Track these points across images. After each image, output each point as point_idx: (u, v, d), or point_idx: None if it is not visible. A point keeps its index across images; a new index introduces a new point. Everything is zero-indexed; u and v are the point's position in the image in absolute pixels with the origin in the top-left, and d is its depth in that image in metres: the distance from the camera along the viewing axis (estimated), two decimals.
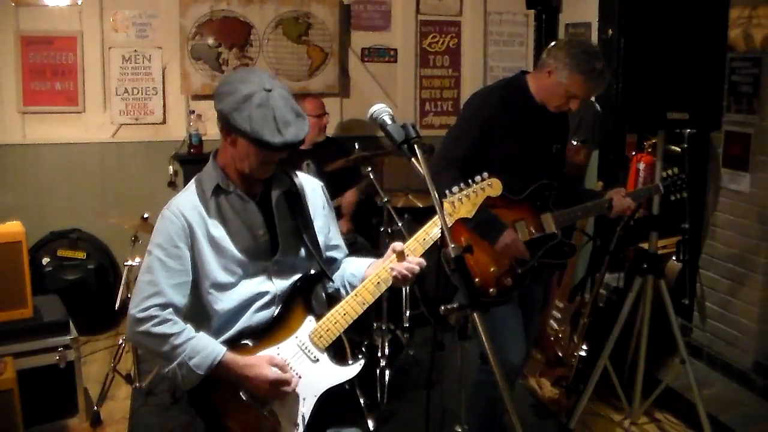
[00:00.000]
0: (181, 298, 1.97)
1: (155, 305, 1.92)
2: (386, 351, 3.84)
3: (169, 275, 1.95)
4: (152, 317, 1.91)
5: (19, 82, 4.75)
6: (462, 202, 1.99)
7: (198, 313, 2.03)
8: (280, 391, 1.93)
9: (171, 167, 4.99)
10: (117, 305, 3.81)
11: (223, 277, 2.01)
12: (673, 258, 4.00)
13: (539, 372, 4.09)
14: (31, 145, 4.83)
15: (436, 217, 1.97)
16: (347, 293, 2.11)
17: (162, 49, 5.00)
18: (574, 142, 3.99)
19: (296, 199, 2.15)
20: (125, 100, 4.98)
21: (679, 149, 3.82)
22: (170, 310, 1.93)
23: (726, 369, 3.85)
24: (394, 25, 5.46)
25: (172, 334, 1.91)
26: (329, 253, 2.25)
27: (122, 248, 4.17)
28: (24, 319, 3.34)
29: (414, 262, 1.99)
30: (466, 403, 2.75)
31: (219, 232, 2.01)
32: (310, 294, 2.10)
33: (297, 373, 1.98)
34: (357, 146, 4.34)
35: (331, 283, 2.19)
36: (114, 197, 4.96)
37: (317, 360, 2.02)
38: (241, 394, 1.93)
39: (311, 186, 2.24)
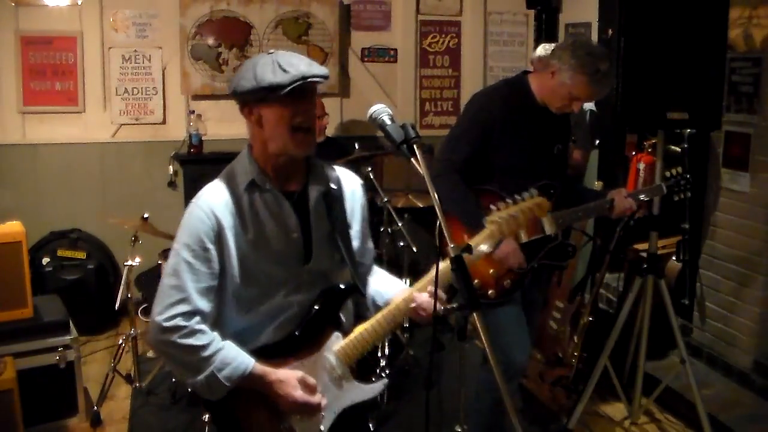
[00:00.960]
0: (208, 304, 1.83)
1: (181, 314, 1.78)
2: (386, 351, 3.84)
3: (197, 279, 1.81)
4: (179, 328, 1.77)
5: (19, 82, 4.76)
6: (509, 224, 1.80)
7: (218, 318, 1.89)
8: (304, 413, 1.86)
9: (171, 167, 5.02)
10: (117, 305, 3.81)
11: (251, 283, 1.87)
12: (673, 258, 3.99)
13: (539, 372, 4.09)
14: (31, 145, 4.83)
15: (478, 235, 1.86)
16: (374, 309, 2.00)
17: (162, 49, 5.00)
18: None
19: (335, 200, 1.96)
20: (125, 100, 4.98)
21: (679, 149, 3.82)
22: (197, 318, 1.80)
23: (726, 369, 3.85)
24: (394, 25, 5.46)
25: (200, 346, 1.78)
26: (359, 260, 2.06)
27: (122, 248, 4.16)
28: (24, 319, 3.34)
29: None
30: (466, 403, 2.75)
31: (250, 234, 1.85)
32: (339, 308, 1.95)
33: (321, 390, 1.90)
34: (357, 146, 4.33)
35: (361, 298, 2.03)
36: (114, 197, 4.96)
37: (341, 377, 1.93)
38: (262, 407, 1.85)
39: (351, 186, 2.03)
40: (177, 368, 1.88)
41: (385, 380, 1.98)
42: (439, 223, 1.60)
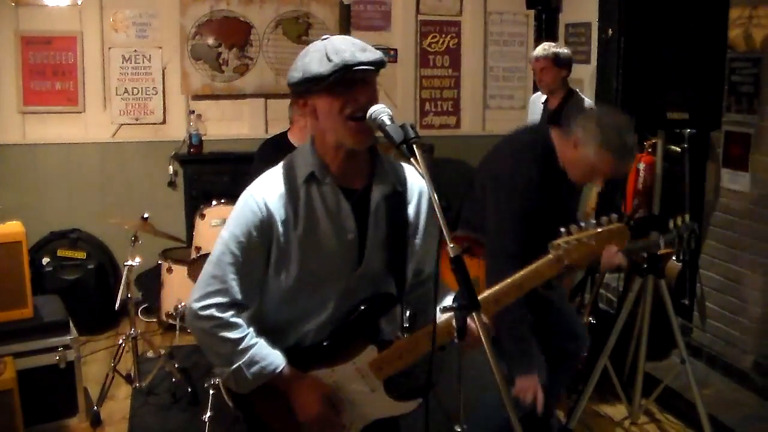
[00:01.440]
0: (246, 297, 1.77)
1: (217, 304, 1.74)
2: None
3: (239, 271, 1.74)
4: (213, 318, 1.74)
5: (19, 82, 4.76)
6: (577, 250, 1.72)
7: (255, 312, 1.84)
8: (320, 426, 1.79)
9: (171, 167, 5.02)
10: (117, 305, 3.81)
11: (293, 280, 1.77)
12: (673, 258, 4.00)
13: None
14: (31, 145, 4.83)
15: (540, 261, 1.81)
16: (415, 325, 1.87)
17: (162, 49, 5.00)
18: None
19: (398, 203, 1.81)
20: (125, 99, 4.98)
21: (679, 149, 3.82)
22: (233, 311, 1.75)
23: (726, 369, 3.85)
24: (394, 25, 5.46)
25: (233, 340, 1.74)
26: (418, 266, 1.91)
27: (122, 248, 4.17)
28: (24, 319, 3.34)
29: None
30: (466, 403, 2.74)
31: (302, 229, 1.74)
32: (379, 318, 1.85)
33: (349, 400, 1.83)
34: None
35: (405, 311, 1.88)
36: (114, 197, 4.96)
37: (373, 390, 1.84)
38: (285, 409, 1.81)
39: (418, 185, 1.85)
40: (208, 354, 1.84)
41: (420, 400, 1.88)
42: (440, 224, 1.59)
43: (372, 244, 1.79)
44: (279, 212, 1.73)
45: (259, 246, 1.74)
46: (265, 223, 1.72)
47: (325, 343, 1.82)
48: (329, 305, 1.81)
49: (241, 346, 1.74)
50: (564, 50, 4.03)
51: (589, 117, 2.52)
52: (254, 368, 1.75)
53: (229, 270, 1.74)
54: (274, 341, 1.81)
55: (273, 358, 1.77)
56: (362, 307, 1.82)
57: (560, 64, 3.99)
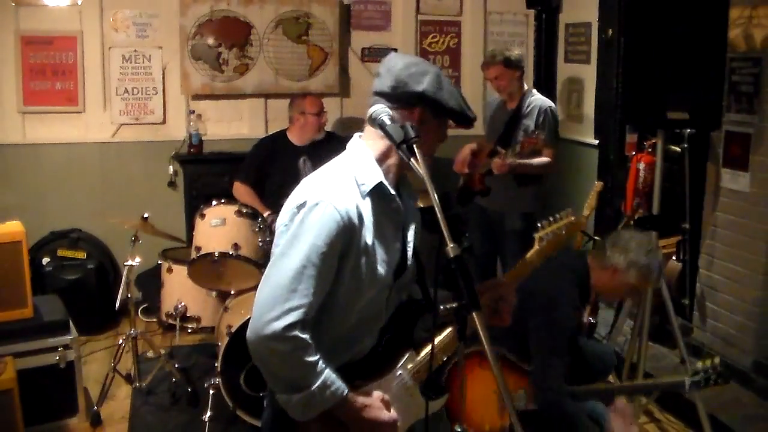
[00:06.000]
0: (316, 311, 1.69)
1: (300, 323, 1.62)
2: None
3: (320, 285, 1.65)
4: (296, 339, 1.61)
5: (19, 82, 4.75)
6: (556, 239, 2.04)
7: (316, 329, 1.72)
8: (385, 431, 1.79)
9: (171, 167, 5.02)
10: (117, 305, 3.81)
11: (357, 295, 1.74)
12: (673, 258, 4.00)
13: None
14: (31, 145, 4.83)
15: (532, 251, 2.04)
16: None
17: (162, 49, 5.00)
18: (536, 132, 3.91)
19: (418, 211, 1.88)
20: (125, 99, 4.98)
21: (679, 149, 3.82)
22: (309, 330, 1.65)
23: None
24: (394, 25, 5.46)
25: (311, 363, 1.64)
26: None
27: (122, 248, 4.17)
28: (24, 319, 3.34)
29: (511, 295, 1.89)
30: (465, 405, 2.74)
31: (372, 238, 1.72)
32: (414, 324, 1.87)
33: (395, 408, 1.83)
34: None
35: (435, 313, 1.87)
36: (114, 197, 4.96)
37: (411, 394, 1.86)
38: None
39: (416, 196, 1.94)
40: (274, 379, 1.70)
41: (447, 394, 1.94)
42: (439, 225, 1.59)
43: (410, 251, 1.85)
44: (356, 222, 1.69)
45: (336, 256, 1.68)
46: (348, 233, 1.67)
47: (373, 355, 1.83)
48: (382, 315, 1.83)
49: (318, 368, 1.66)
50: (513, 52, 4.00)
51: (624, 247, 2.77)
52: (328, 392, 1.67)
53: (310, 284, 1.63)
54: (329, 360, 1.72)
55: (339, 383, 1.70)
56: (400, 316, 1.85)
57: (512, 66, 3.97)
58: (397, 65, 1.77)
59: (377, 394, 1.79)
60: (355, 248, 1.69)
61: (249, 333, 1.65)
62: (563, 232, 2.06)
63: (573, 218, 2.09)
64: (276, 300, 1.62)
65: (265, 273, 1.70)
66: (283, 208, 1.75)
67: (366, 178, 1.73)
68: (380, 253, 1.75)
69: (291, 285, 1.62)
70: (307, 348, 1.64)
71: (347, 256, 1.69)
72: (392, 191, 1.76)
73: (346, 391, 1.70)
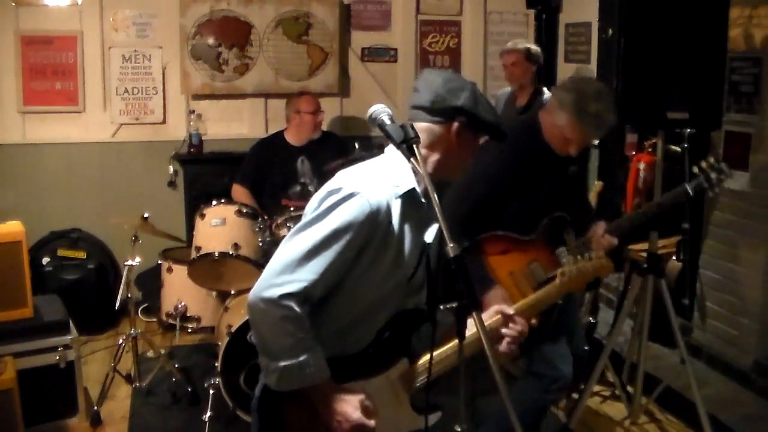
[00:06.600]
0: (321, 294, 1.73)
1: (297, 294, 1.66)
2: None
3: (329, 267, 1.69)
4: (288, 308, 1.66)
5: (19, 82, 4.75)
6: (578, 278, 1.99)
7: (318, 313, 1.77)
8: None
9: (171, 167, 5.02)
10: (117, 305, 3.81)
11: (370, 287, 1.79)
12: (673, 258, 4.00)
13: None
14: (31, 145, 4.83)
15: (551, 285, 2.01)
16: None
17: (162, 48, 5.00)
18: None
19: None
20: (125, 99, 4.98)
21: (679, 149, 3.82)
22: (307, 306, 1.70)
23: (726, 369, 3.85)
24: (394, 24, 5.46)
25: (298, 337, 1.68)
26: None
27: (122, 248, 4.17)
28: (24, 319, 3.34)
29: (519, 325, 1.86)
30: (466, 404, 2.74)
31: (392, 242, 1.76)
32: (412, 332, 1.87)
33: (379, 415, 1.81)
34: (357, 146, 4.33)
35: (434, 323, 1.88)
36: (114, 197, 4.96)
37: (401, 403, 1.86)
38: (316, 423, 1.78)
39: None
40: (261, 342, 1.75)
41: (440, 413, 1.90)
42: (440, 225, 1.60)
43: (417, 254, 1.85)
44: (386, 217, 1.74)
45: (356, 246, 1.71)
46: (373, 226, 1.71)
47: (365, 354, 1.83)
48: (384, 315, 1.84)
49: (303, 345, 1.69)
50: (535, 47, 4.05)
51: (560, 85, 2.61)
52: (307, 371, 1.70)
53: (321, 263, 1.68)
54: (325, 348, 1.76)
55: (322, 365, 1.73)
56: (398, 321, 1.85)
57: (531, 59, 4.01)
58: (435, 81, 1.85)
59: (359, 396, 1.77)
60: (377, 242, 1.73)
61: (251, 292, 1.71)
62: (590, 271, 1.98)
63: (605, 261, 2.02)
64: (284, 269, 1.68)
65: (282, 241, 1.75)
66: (314, 197, 1.79)
67: (401, 182, 1.79)
68: (399, 254, 1.78)
69: (302, 259, 1.68)
70: (297, 321, 1.67)
71: (368, 247, 1.73)
72: (422, 200, 1.80)
73: (327, 376, 1.73)
